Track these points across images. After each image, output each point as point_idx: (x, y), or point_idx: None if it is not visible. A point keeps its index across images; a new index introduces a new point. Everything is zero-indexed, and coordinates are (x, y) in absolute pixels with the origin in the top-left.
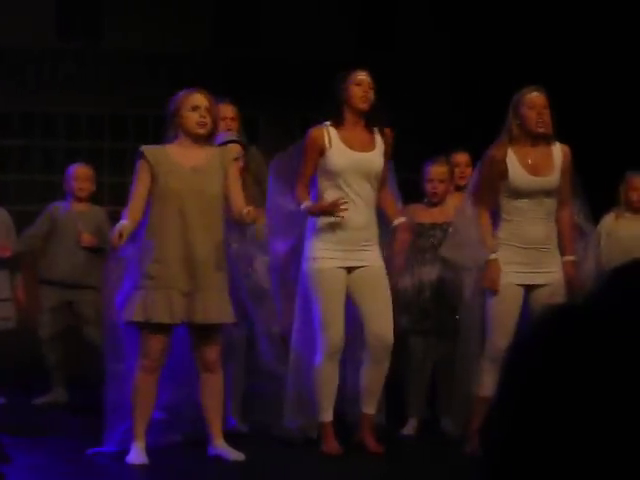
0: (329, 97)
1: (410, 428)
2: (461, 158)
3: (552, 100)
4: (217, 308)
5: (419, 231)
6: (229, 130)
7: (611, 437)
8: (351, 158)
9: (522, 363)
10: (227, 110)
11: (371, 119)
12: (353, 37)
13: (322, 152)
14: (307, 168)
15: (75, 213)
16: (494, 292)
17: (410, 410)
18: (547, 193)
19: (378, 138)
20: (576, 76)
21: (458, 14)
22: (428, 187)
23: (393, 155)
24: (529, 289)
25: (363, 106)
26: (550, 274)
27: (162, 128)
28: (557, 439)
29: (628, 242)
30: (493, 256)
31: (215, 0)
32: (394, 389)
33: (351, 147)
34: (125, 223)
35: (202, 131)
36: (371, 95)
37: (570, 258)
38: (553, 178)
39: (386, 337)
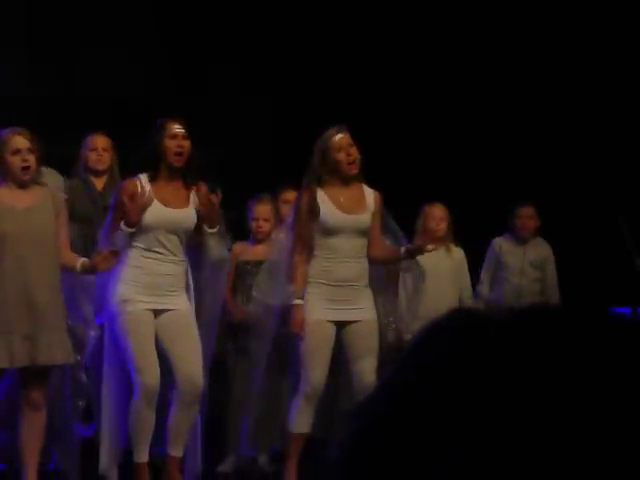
0: (145, 148)
1: (227, 465)
2: (289, 195)
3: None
4: (60, 349)
5: (245, 269)
6: (99, 161)
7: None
8: (163, 215)
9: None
10: (98, 141)
11: (187, 176)
12: (169, 73)
13: None
14: (117, 220)
15: None
16: (301, 335)
17: (228, 446)
18: (358, 232)
19: (193, 194)
20: (376, 115)
21: (268, 56)
22: (253, 226)
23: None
24: (340, 326)
25: (177, 163)
26: (361, 310)
27: None
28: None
29: (434, 271)
30: (298, 301)
31: (27, 39)
32: (213, 424)
33: (164, 203)
34: None
35: (27, 177)
36: (186, 147)
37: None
38: (365, 217)
39: (196, 380)
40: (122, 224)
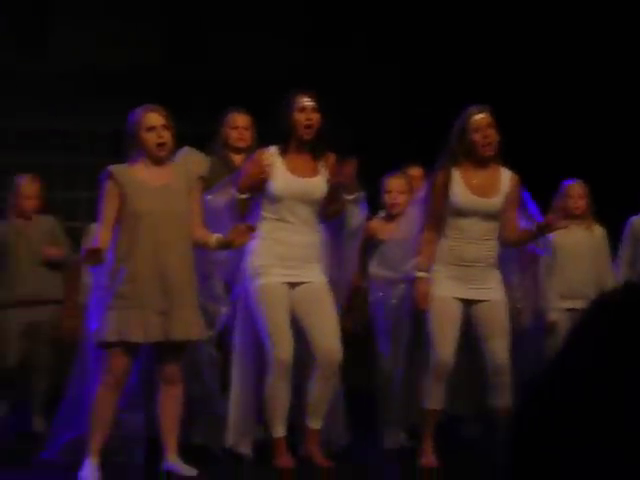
0: (275, 121)
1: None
2: (415, 172)
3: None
4: (194, 325)
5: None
6: (240, 139)
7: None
8: (293, 184)
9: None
10: (239, 119)
11: (316, 147)
12: (301, 55)
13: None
14: (244, 183)
15: (21, 227)
16: (424, 309)
17: (377, 422)
18: (488, 215)
19: (322, 165)
20: (517, 92)
21: (408, 34)
22: (387, 199)
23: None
24: (468, 304)
25: (306, 136)
26: (489, 290)
27: (120, 144)
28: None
29: (574, 250)
30: (421, 274)
31: (167, 17)
32: (359, 401)
33: (293, 172)
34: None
35: (163, 153)
36: (315, 120)
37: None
38: (497, 201)
39: (335, 354)
40: (234, 188)
